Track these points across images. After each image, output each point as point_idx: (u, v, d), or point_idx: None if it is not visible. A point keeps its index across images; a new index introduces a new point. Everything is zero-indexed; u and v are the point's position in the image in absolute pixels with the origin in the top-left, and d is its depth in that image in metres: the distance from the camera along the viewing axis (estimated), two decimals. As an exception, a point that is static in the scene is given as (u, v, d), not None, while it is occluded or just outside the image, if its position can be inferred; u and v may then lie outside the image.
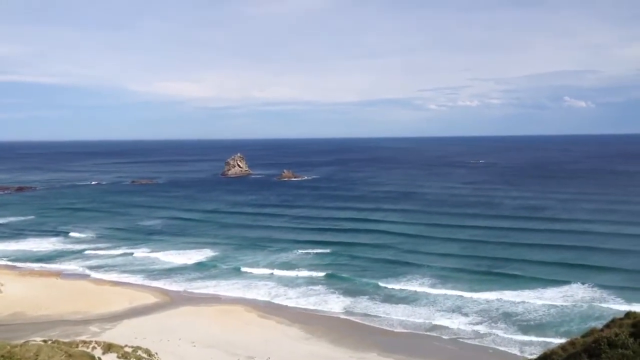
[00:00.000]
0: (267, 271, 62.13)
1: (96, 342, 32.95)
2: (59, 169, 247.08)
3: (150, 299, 52.75)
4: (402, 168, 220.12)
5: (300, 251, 71.14)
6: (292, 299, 52.35)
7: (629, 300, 46.46)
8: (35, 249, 75.61)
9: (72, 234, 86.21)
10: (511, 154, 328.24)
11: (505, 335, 41.85)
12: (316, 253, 70.02)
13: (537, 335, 41.52)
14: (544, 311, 46.55)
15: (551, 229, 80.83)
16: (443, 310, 47.87)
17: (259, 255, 69.75)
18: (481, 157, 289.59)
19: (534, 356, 25.49)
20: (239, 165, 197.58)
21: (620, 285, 51.79)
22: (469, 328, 43.57)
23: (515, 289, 52.22)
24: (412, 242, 75.19)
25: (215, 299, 53.07)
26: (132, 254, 72.16)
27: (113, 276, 61.61)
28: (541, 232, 78.64)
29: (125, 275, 61.96)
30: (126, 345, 33.81)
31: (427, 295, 52.25)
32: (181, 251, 72.57)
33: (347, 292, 53.57)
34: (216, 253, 71.31)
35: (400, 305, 49.66)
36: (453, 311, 47.63)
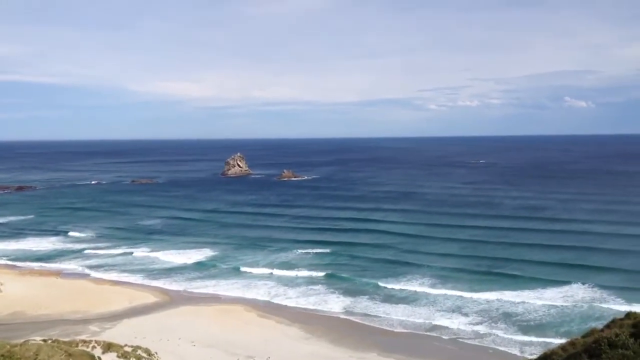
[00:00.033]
0: (266, 271, 62.11)
1: (96, 342, 32.94)
2: (58, 168, 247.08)
3: (150, 298, 52.74)
4: (402, 168, 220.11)
5: (300, 251, 71.11)
6: (291, 298, 52.33)
7: (629, 301, 46.46)
8: (35, 249, 75.60)
9: (72, 233, 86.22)
10: (511, 154, 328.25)
11: (505, 336, 41.82)
12: (316, 253, 70.00)
13: (537, 335, 41.49)
14: (544, 311, 46.52)
15: (551, 229, 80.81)
16: (443, 310, 47.84)
17: (259, 255, 69.73)
18: (481, 157, 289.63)
19: (534, 356, 25.48)
20: (238, 165, 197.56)
21: (621, 286, 51.77)
22: (469, 328, 43.55)
23: (515, 289, 52.20)
24: (412, 242, 75.17)
25: (214, 299, 53.05)
26: (132, 253, 72.15)
27: (113, 276, 61.61)
28: (541, 232, 78.61)
29: (125, 274, 61.95)
30: (126, 345, 33.80)
31: (427, 295, 52.23)
32: (181, 251, 72.56)
33: (347, 292, 53.55)
34: (216, 253, 71.29)
35: (400, 305, 49.64)
36: (453, 311, 47.60)
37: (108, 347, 32.32)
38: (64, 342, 31.32)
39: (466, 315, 46.52)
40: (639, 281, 53.32)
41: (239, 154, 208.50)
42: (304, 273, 60.72)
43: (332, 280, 57.92)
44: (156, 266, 65.69)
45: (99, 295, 53.66)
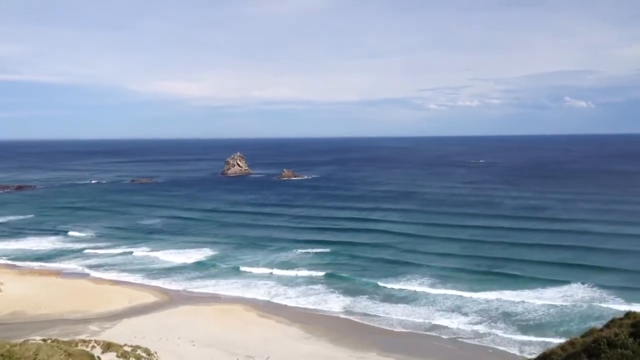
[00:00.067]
0: (266, 270, 62.11)
1: (95, 341, 32.96)
2: (58, 167, 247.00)
3: (149, 298, 52.73)
4: (401, 168, 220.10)
5: (299, 250, 71.11)
6: (291, 298, 52.33)
7: (628, 300, 46.47)
8: (34, 248, 75.59)
9: (71, 232, 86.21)
10: (511, 154, 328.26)
11: (505, 335, 41.83)
12: (316, 252, 69.99)
13: (536, 335, 41.50)
14: (543, 311, 46.53)
15: (551, 229, 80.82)
16: (443, 310, 47.85)
17: (259, 255, 69.73)
18: (481, 157, 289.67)
19: (534, 356, 25.45)
20: (238, 165, 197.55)
21: (620, 285, 51.78)
22: (469, 328, 43.56)
23: (514, 289, 52.20)
24: (411, 241, 75.17)
25: (214, 298, 53.05)
26: (132, 253, 72.14)
27: (112, 275, 61.59)
28: (541, 232, 78.62)
29: (125, 274, 61.94)
30: (125, 345, 33.81)
31: (426, 295, 52.23)
32: (181, 250, 72.55)
33: (347, 292, 53.55)
34: (216, 252, 71.29)
35: (399, 304, 49.65)
36: (453, 311, 47.61)
37: (107, 346, 32.34)
38: (64, 342, 31.33)
39: (466, 314, 46.54)
40: (639, 281, 53.33)
41: (238, 153, 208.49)
42: (304, 273, 60.72)
43: (332, 280, 57.92)
44: (156, 266, 65.68)
45: (98, 294, 53.66)
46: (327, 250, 71.05)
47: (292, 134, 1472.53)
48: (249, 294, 53.95)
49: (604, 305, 46.73)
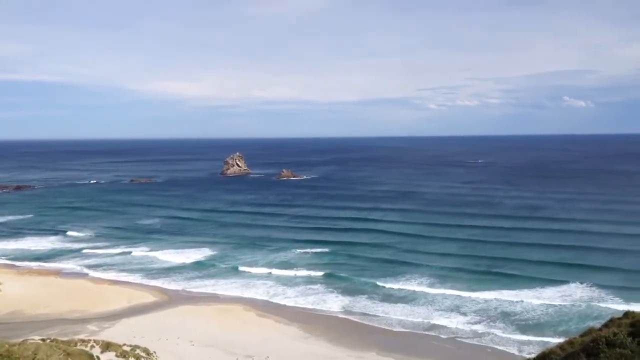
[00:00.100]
0: (265, 270, 62.11)
1: (94, 341, 32.97)
2: (57, 167, 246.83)
3: (148, 297, 52.72)
4: (401, 167, 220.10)
5: (298, 250, 71.11)
6: (290, 298, 52.34)
7: (627, 300, 46.55)
8: (33, 248, 75.55)
9: (70, 232, 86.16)
10: (510, 154, 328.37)
11: (504, 335, 41.86)
12: (315, 252, 69.99)
13: (535, 334, 41.53)
14: (542, 311, 46.57)
15: (550, 228, 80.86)
16: (441, 310, 47.87)
17: (258, 255, 69.72)
18: (480, 157, 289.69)
19: (532, 356, 25.47)
20: (237, 165, 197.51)
21: (619, 285, 51.84)
22: (468, 327, 43.59)
23: (513, 289, 52.25)
24: (410, 241, 75.19)
25: (213, 298, 53.04)
26: (131, 252, 72.11)
27: (111, 275, 61.57)
28: (540, 232, 78.66)
29: (124, 274, 61.91)
30: (124, 344, 33.82)
31: (425, 294, 52.25)
32: (180, 250, 72.53)
33: (346, 292, 53.56)
34: (215, 252, 71.27)
35: (398, 304, 49.67)
36: (451, 310, 47.64)
37: (107, 346, 32.34)
38: (63, 342, 31.33)
39: (465, 314, 46.56)
40: (637, 281, 53.39)
41: (238, 153, 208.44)
42: (303, 272, 60.73)
43: (331, 280, 57.93)
44: (155, 266, 65.66)
45: (97, 294, 53.64)
46: (326, 250, 71.06)
47: (291, 134, 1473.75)
48: (248, 293, 53.95)
49: (602, 304, 46.78)
